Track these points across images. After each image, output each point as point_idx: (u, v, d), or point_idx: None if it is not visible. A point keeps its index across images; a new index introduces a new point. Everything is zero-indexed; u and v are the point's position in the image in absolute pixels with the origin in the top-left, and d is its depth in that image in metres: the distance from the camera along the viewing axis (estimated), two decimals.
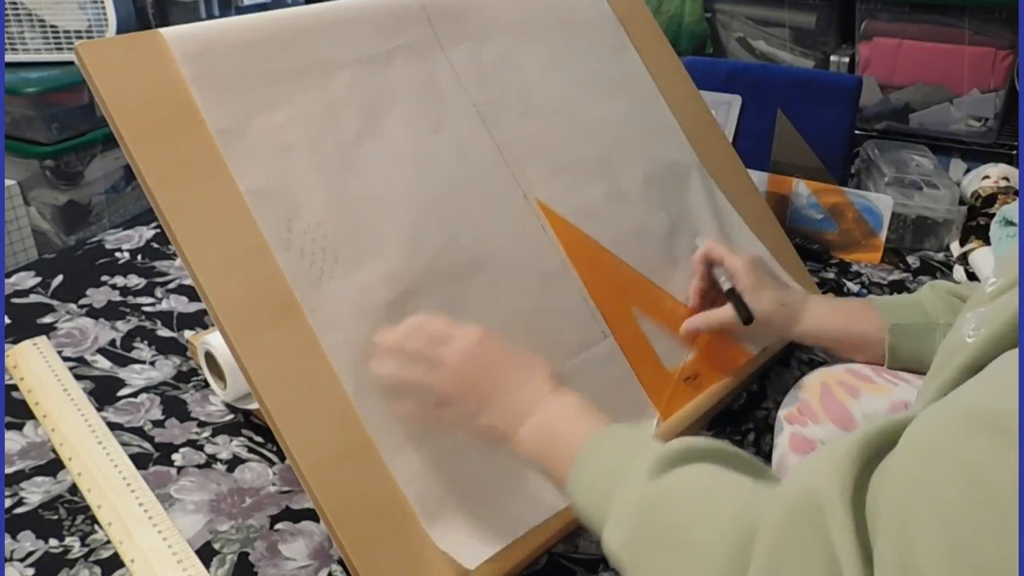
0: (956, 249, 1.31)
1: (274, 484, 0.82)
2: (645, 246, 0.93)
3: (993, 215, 1.30)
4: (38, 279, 1.13)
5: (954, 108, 1.65)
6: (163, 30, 0.71)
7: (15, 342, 0.99)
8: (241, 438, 0.87)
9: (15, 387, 0.92)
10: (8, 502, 0.78)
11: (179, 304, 1.10)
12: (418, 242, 0.77)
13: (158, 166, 0.67)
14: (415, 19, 0.86)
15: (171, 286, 1.14)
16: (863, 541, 0.39)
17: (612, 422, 0.61)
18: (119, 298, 1.11)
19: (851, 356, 0.83)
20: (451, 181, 0.82)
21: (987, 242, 1.27)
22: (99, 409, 0.90)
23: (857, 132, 1.57)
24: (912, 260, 1.31)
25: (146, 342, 1.02)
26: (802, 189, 1.32)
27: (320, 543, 0.75)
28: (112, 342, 1.02)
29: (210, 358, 0.89)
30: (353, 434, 0.68)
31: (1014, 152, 1.61)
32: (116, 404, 0.91)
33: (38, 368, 0.94)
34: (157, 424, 0.89)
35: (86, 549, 0.74)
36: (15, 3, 1.75)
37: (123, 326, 1.05)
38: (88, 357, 0.99)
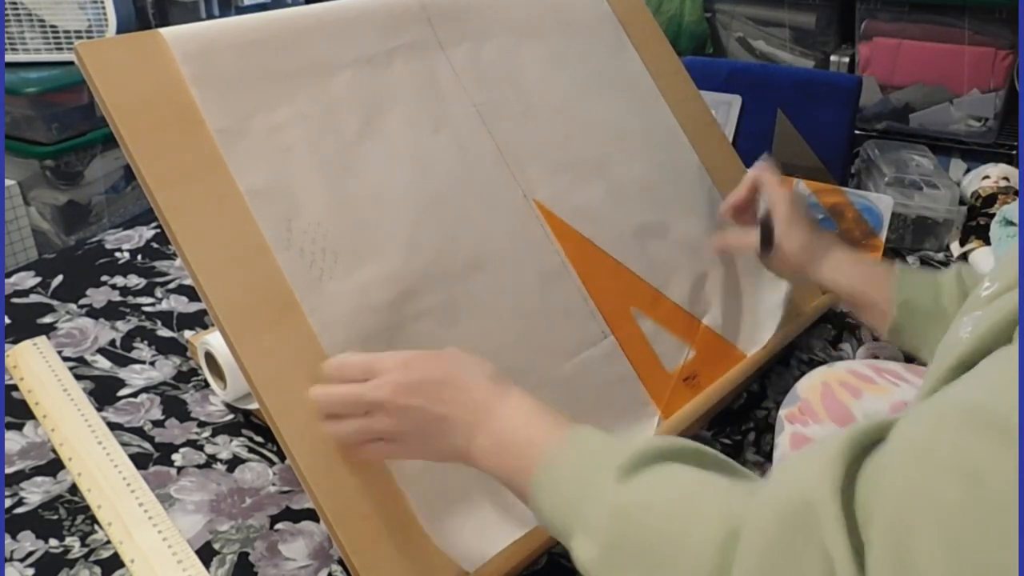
0: (956, 249, 1.31)
1: (274, 484, 0.82)
2: (644, 246, 0.93)
3: (993, 215, 1.30)
4: (38, 279, 1.13)
5: (954, 108, 1.65)
6: (163, 30, 0.71)
7: (15, 342, 0.99)
8: (241, 438, 0.87)
9: (15, 387, 0.92)
10: (8, 502, 0.78)
11: (179, 304, 1.10)
12: (418, 242, 0.77)
13: (158, 166, 0.67)
14: (415, 19, 0.86)
15: (171, 286, 1.14)
16: (856, 541, 0.39)
17: (566, 421, 0.58)
18: (119, 298, 1.11)
19: (858, 314, 0.88)
20: (451, 181, 0.82)
21: (987, 242, 1.27)
22: (99, 409, 0.90)
23: (857, 132, 1.57)
24: (912, 260, 1.31)
25: (146, 342, 1.02)
26: (802, 189, 1.32)
27: (320, 543, 0.75)
28: (112, 342, 1.02)
29: (210, 358, 0.89)
30: None
31: (1014, 152, 1.61)
32: (116, 404, 0.91)
33: (38, 368, 0.94)
34: (157, 424, 0.89)
35: (86, 549, 0.74)
36: (15, 3, 1.75)
37: (123, 326, 1.05)
38: (88, 357, 0.99)
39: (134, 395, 0.93)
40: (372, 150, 0.78)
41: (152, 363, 0.99)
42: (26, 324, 1.04)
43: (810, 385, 0.79)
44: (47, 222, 1.82)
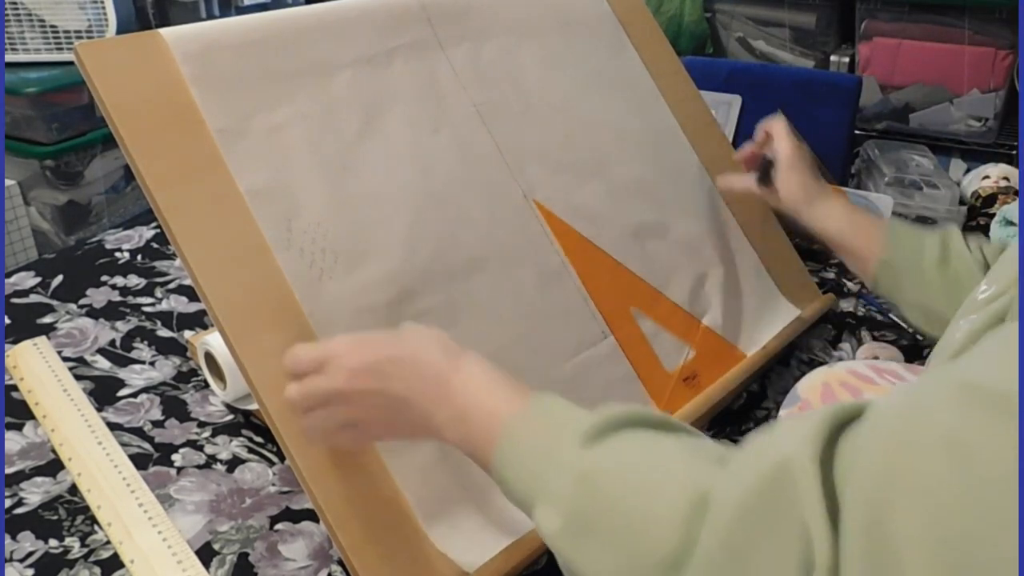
0: None
1: (274, 484, 0.82)
2: (644, 246, 0.93)
3: (993, 215, 1.30)
4: (38, 279, 1.13)
5: (954, 108, 1.65)
6: (163, 30, 0.71)
7: (15, 342, 0.99)
8: (241, 438, 0.87)
9: (15, 387, 0.92)
10: (8, 502, 0.78)
11: (179, 304, 1.10)
12: (418, 242, 0.77)
13: (158, 166, 0.67)
14: (415, 19, 0.86)
15: (171, 286, 1.14)
16: (833, 508, 0.38)
17: (526, 389, 0.56)
18: (119, 298, 1.11)
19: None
20: (451, 181, 0.82)
21: None
22: (99, 409, 0.90)
23: (857, 132, 1.57)
24: None
25: (146, 342, 1.02)
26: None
27: (320, 543, 0.75)
28: (112, 342, 1.02)
29: (210, 358, 0.89)
30: None
31: (1014, 152, 1.61)
32: (116, 404, 0.91)
33: (38, 368, 0.94)
34: (157, 424, 0.89)
35: (86, 549, 0.74)
36: (15, 3, 1.75)
37: (123, 326, 1.05)
38: (88, 357, 0.99)
39: (134, 395, 0.93)
40: (372, 150, 0.78)
41: (152, 363, 0.99)
42: (26, 324, 1.04)
43: (810, 385, 0.79)
44: (47, 222, 1.82)
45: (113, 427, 0.87)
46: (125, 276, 1.16)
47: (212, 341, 0.87)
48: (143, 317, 1.07)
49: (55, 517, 0.77)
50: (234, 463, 0.84)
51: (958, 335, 0.50)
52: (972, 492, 0.33)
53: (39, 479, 0.81)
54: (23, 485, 0.80)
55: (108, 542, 0.74)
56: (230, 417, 0.90)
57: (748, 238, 1.04)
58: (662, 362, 0.89)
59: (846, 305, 1.14)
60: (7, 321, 1.04)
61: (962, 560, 0.33)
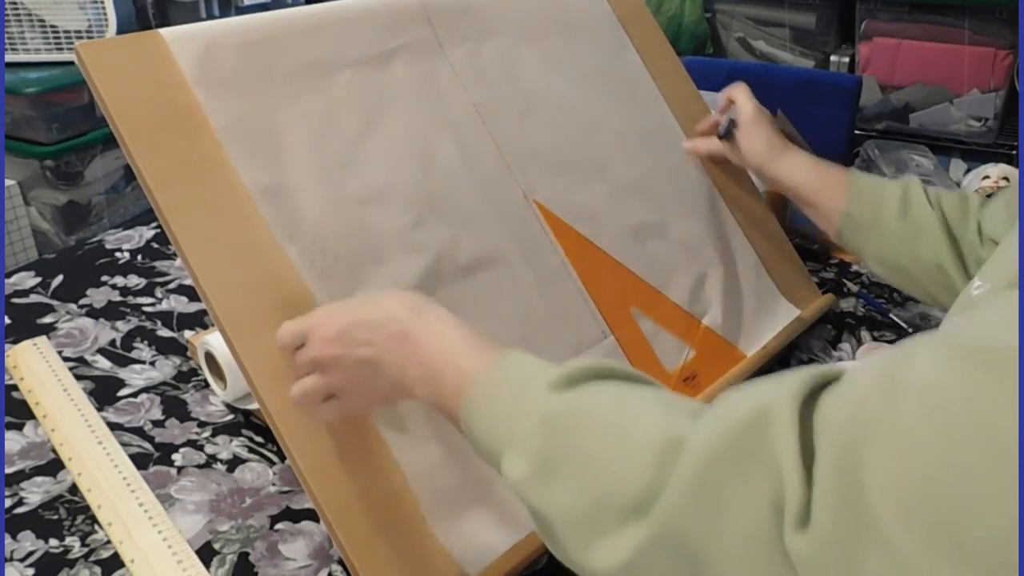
0: None
1: (274, 484, 0.82)
2: (644, 246, 0.93)
3: None
4: (38, 279, 1.13)
5: (954, 108, 1.65)
6: (163, 30, 0.71)
7: (15, 342, 0.99)
8: (241, 438, 0.87)
9: (15, 387, 0.92)
10: (8, 502, 0.78)
11: (179, 304, 1.10)
12: (418, 242, 0.77)
13: (158, 166, 0.67)
14: (415, 19, 0.86)
15: (171, 286, 1.14)
16: (807, 453, 0.38)
17: (494, 344, 0.55)
18: (119, 298, 1.11)
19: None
20: (451, 181, 0.82)
21: None
22: (99, 409, 0.90)
23: (857, 132, 1.58)
24: None
25: (146, 342, 1.02)
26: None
27: (320, 543, 0.75)
28: (112, 342, 1.02)
29: (210, 358, 0.89)
30: (353, 434, 0.68)
31: (1014, 152, 1.61)
32: (116, 404, 0.91)
33: (38, 368, 0.94)
34: (157, 424, 0.89)
35: (86, 549, 0.74)
36: (15, 3, 1.76)
37: (123, 326, 1.05)
38: (88, 357, 0.99)
39: (134, 395, 0.93)
40: (372, 150, 0.78)
41: (152, 363, 0.99)
42: (26, 324, 1.04)
43: None
44: (47, 222, 1.82)
45: (113, 427, 0.87)
46: (125, 276, 1.16)
47: (212, 341, 0.87)
48: (143, 317, 1.07)
49: (55, 517, 0.77)
50: (234, 463, 0.84)
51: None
52: (945, 437, 0.33)
53: (39, 479, 0.81)
54: (23, 485, 0.80)
55: (108, 542, 0.75)
56: (230, 417, 0.90)
57: (748, 238, 1.05)
58: (662, 362, 0.89)
59: (846, 305, 1.14)
60: (7, 321, 1.04)
61: (932, 504, 0.33)
